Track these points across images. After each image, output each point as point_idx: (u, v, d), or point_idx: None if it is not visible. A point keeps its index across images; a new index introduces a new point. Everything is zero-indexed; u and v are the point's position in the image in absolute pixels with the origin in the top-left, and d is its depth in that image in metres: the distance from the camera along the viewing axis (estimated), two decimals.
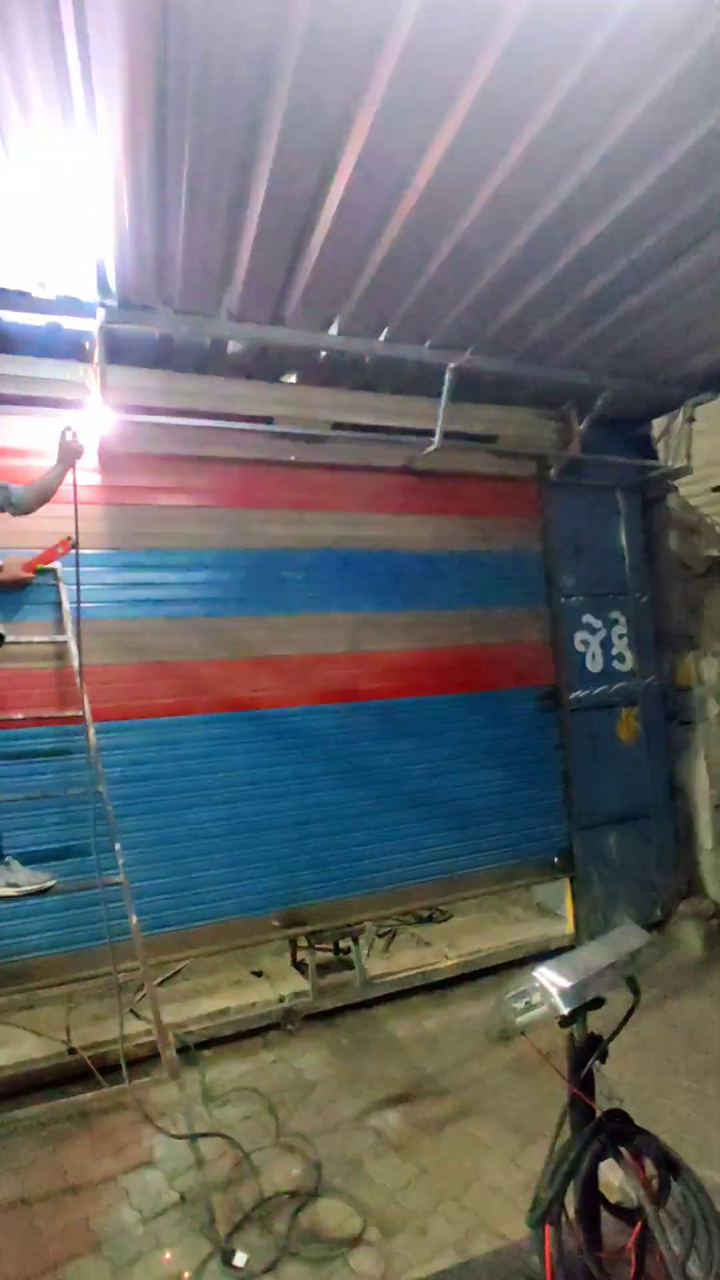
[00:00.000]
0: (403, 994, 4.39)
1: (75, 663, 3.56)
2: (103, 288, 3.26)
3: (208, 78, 2.25)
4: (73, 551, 3.61)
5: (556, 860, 4.81)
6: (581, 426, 4.69)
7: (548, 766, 4.85)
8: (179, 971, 4.40)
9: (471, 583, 4.72)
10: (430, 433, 4.24)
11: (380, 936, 4.84)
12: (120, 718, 3.76)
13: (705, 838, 5.08)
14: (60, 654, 3.69)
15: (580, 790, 4.89)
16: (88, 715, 3.48)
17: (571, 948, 4.74)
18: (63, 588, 3.71)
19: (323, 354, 3.96)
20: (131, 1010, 3.98)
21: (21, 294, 3.28)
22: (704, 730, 5.10)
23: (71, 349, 3.67)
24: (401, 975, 4.39)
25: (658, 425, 5.04)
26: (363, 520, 4.46)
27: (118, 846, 3.26)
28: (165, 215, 2.82)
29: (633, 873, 5.00)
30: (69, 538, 3.67)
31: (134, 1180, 3.03)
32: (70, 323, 3.48)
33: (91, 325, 3.41)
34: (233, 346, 3.86)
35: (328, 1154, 3.11)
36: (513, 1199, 2.82)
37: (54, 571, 3.73)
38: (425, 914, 5.12)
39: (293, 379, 4.23)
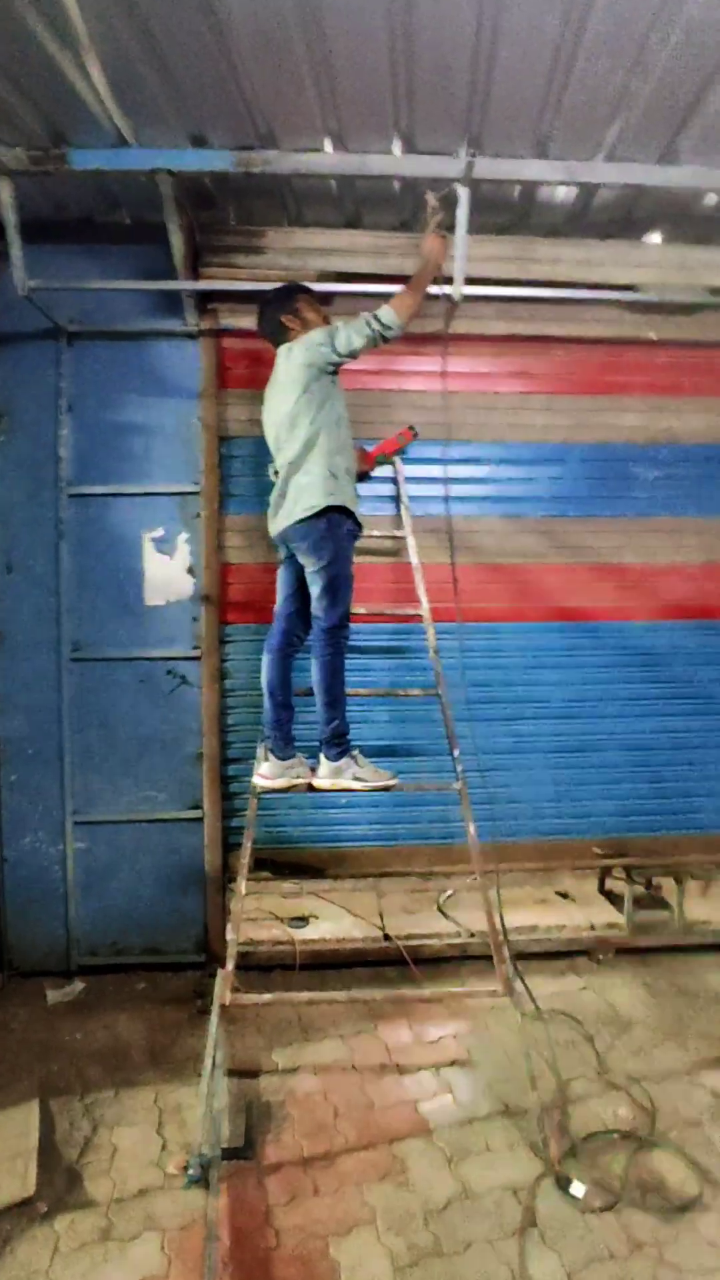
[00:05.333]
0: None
1: (414, 560, 3.44)
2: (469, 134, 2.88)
3: None
4: (414, 441, 3.45)
5: None
6: None
7: None
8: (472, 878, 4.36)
9: None
10: None
11: (696, 879, 4.40)
12: (453, 620, 3.61)
13: None
14: (398, 550, 3.60)
15: None
16: (426, 615, 3.37)
17: None
18: (402, 481, 3.57)
19: (709, 201, 3.26)
20: (440, 909, 4.02)
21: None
22: None
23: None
24: None
25: None
26: None
27: (456, 752, 3.16)
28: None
29: None
30: (411, 427, 3.50)
31: (455, 1076, 3.05)
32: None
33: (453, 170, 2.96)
34: (600, 199, 3.31)
35: (659, 1104, 2.89)
36: None
37: (393, 464, 3.60)
38: None
39: (657, 238, 3.58)
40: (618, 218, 3.41)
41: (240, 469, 3.66)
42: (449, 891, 4.00)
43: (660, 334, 3.66)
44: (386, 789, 3.05)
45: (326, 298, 3.12)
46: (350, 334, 2.81)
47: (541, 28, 2.40)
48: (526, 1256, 2.25)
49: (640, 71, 2.59)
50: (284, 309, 3.00)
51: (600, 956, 3.85)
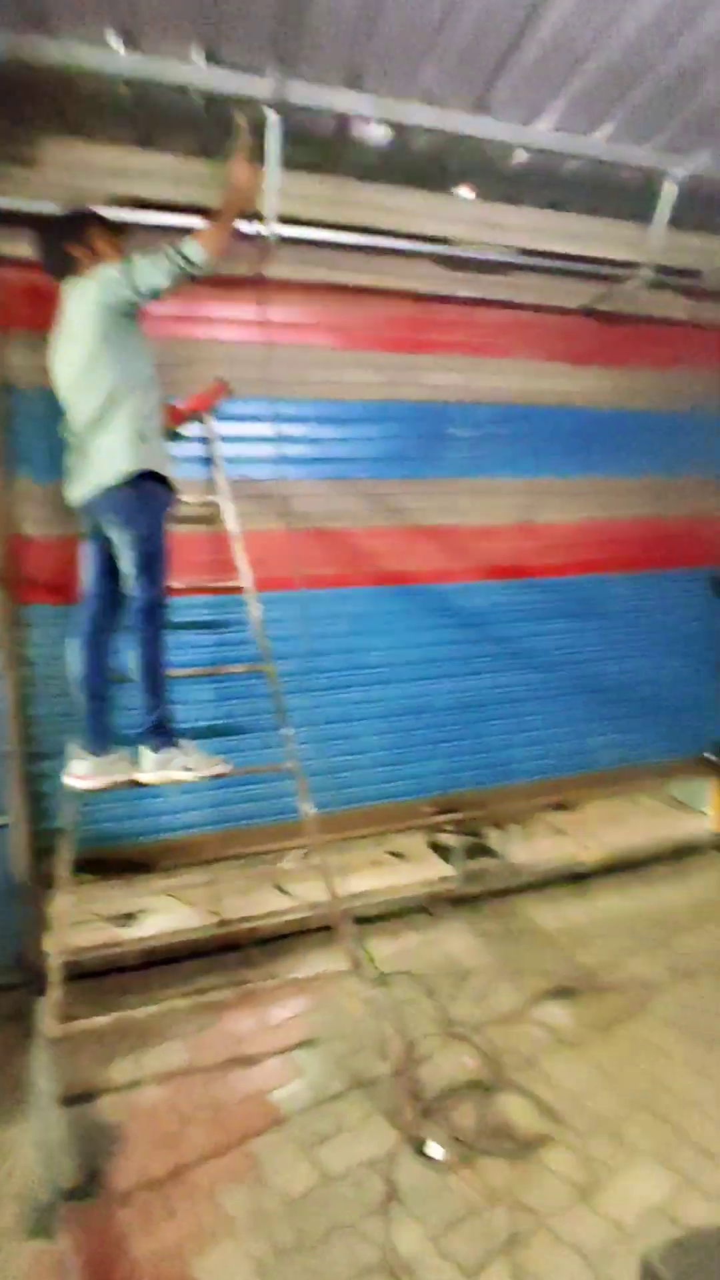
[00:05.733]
0: (543, 884, 4.26)
1: (231, 527, 3.19)
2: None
3: None
4: (227, 398, 3.17)
5: (708, 755, 4.50)
6: None
7: (711, 657, 4.43)
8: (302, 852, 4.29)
9: (654, 445, 4.14)
10: (627, 266, 3.56)
11: (518, 825, 4.67)
12: (274, 589, 3.42)
13: None
14: (211, 517, 3.32)
15: None
16: (248, 586, 3.15)
17: (716, 845, 4.56)
18: (215, 441, 3.29)
19: (518, 160, 3.24)
20: (277, 886, 3.93)
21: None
22: None
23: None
24: (545, 866, 4.23)
25: None
26: (540, 371, 3.86)
27: (287, 730, 3.02)
28: None
29: None
30: (223, 380, 3.21)
31: (305, 1057, 3.00)
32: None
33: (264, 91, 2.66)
34: (416, 145, 3.16)
35: (500, 1047, 3.02)
36: (708, 1110, 2.70)
37: (204, 422, 3.29)
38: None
39: (468, 194, 3.52)
40: (433, 170, 3.29)
41: (31, 427, 3.16)
42: (284, 867, 3.91)
43: (473, 293, 3.63)
44: (218, 776, 2.85)
45: (118, 228, 2.71)
46: (150, 269, 2.47)
47: None
48: (392, 1231, 2.25)
49: (455, 12, 2.45)
50: (71, 237, 2.58)
51: (435, 911, 3.96)
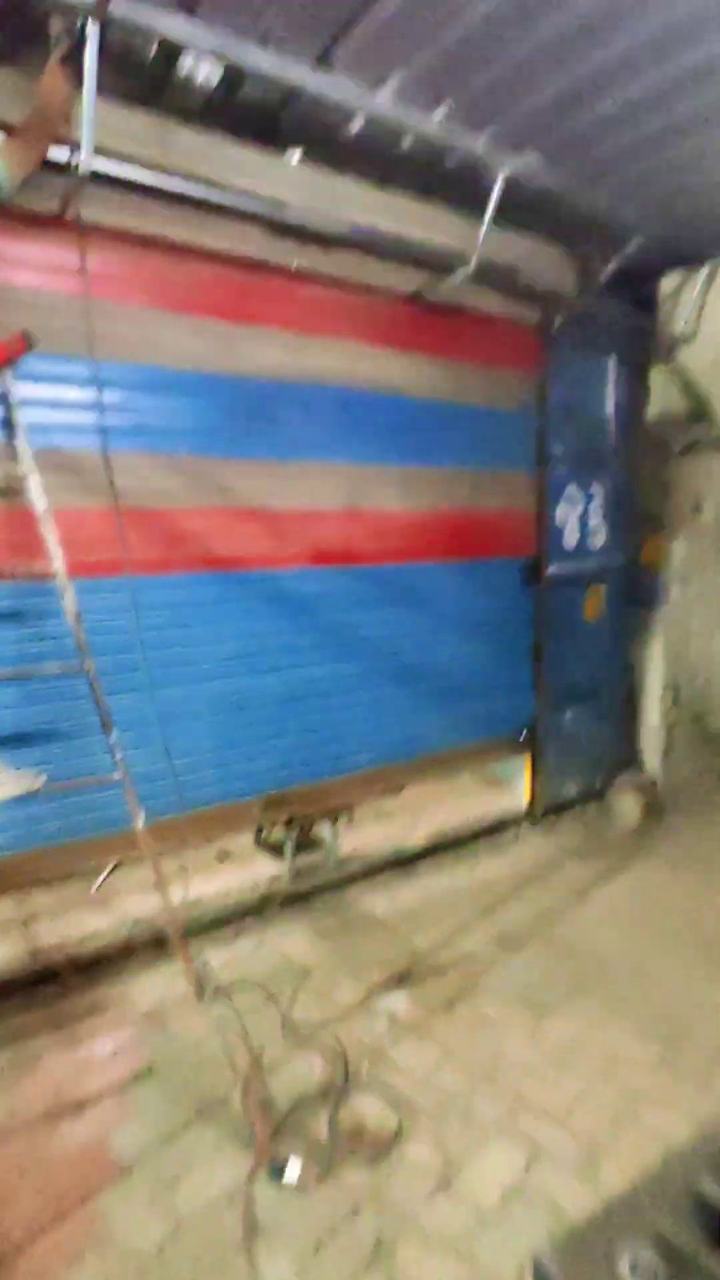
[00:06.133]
0: (373, 872, 4.27)
1: (38, 503, 2.77)
2: None
3: None
4: (29, 352, 2.73)
5: (523, 735, 4.77)
6: (609, 269, 4.17)
7: (523, 642, 4.68)
8: (116, 866, 3.92)
9: (472, 438, 4.24)
10: (450, 255, 3.59)
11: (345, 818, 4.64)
12: (87, 574, 3.04)
13: (652, 715, 5.24)
14: (12, 490, 2.86)
15: (547, 667, 4.79)
16: (61, 572, 2.75)
17: (530, 818, 4.87)
18: (15, 403, 2.82)
19: (355, 127, 3.10)
20: (96, 904, 3.56)
21: None
22: (664, 613, 5.13)
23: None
24: (374, 854, 4.25)
25: (668, 284, 4.61)
26: (367, 355, 3.77)
27: (113, 735, 2.70)
28: None
29: (583, 747, 5.09)
30: (24, 333, 2.76)
31: (142, 1092, 2.73)
32: None
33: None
34: (248, 94, 2.91)
35: (346, 1044, 2.96)
36: (544, 1075, 2.83)
37: (2, 380, 2.82)
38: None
39: (297, 157, 3.32)
40: (265, 124, 3.06)
41: None
42: (102, 883, 3.56)
43: (304, 264, 3.45)
44: (30, 793, 2.48)
45: None
46: None
47: None
48: (258, 1269, 2.10)
49: None
50: None
51: (268, 912, 3.82)
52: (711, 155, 3.35)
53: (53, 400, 3.00)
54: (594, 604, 5.01)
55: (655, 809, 5.12)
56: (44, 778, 2.48)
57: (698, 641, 5.30)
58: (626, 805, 5.11)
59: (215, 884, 3.79)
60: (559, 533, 4.75)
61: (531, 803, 4.87)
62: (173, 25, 2.44)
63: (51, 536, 2.74)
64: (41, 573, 2.79)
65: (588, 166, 3.40)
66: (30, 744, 2.93)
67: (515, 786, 4.98)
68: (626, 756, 5.37)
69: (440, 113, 3.01)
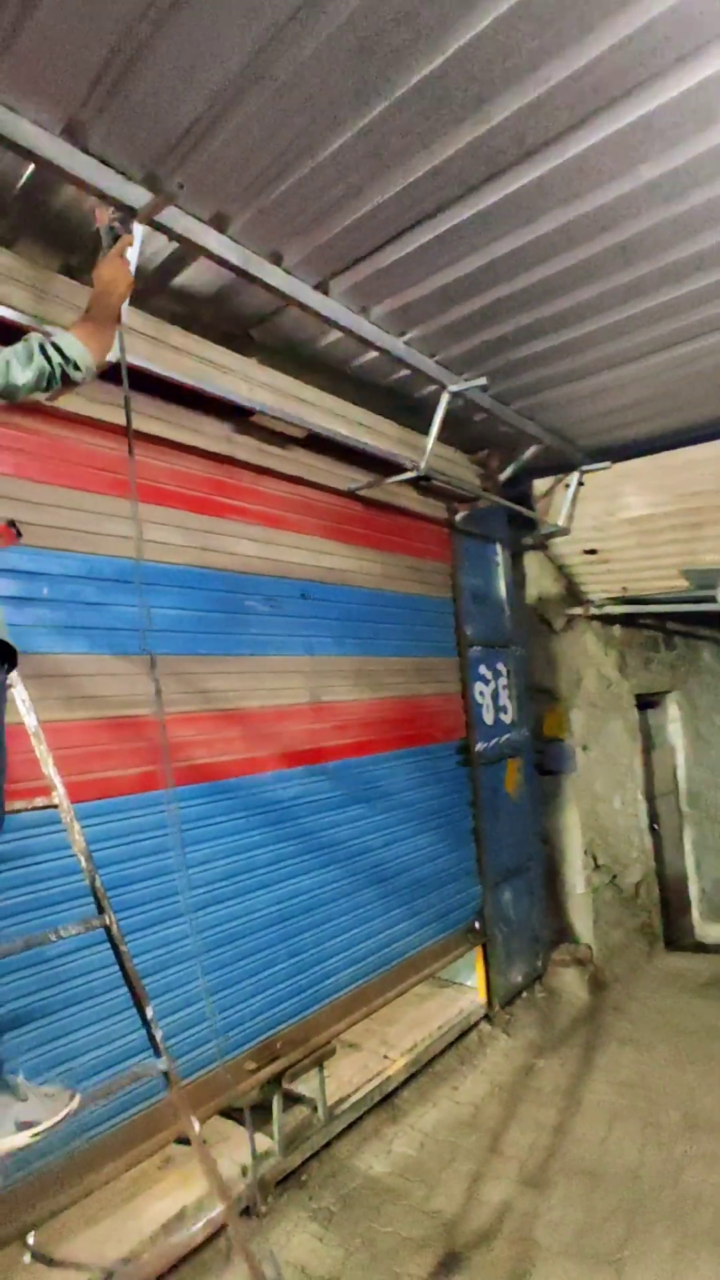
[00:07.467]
0: (359, 1119, 3.62)
1: (28, 719, 2.26)
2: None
3: None
4: (18, 542, 2.35)
5: (476, 925, 4.51)
6: (505, 474, 4.64)
7: (464, 825, 4.56)
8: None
9: (409, 627, 4.28)
10: (388, 458, 3.80)
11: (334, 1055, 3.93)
12: (74, 799, 2.48)
13: (575, 882, 5.26)
14: None
15: (487, 847, 4.68)
16: (63, 799, 2.21)
17: (488, 1017, 4.48)
18: None
19: (325, 341, 3.26)
20: (32, 1253, 2.60)
21: None
22: (573, 779, 5.32)
23: None
24: (358, 1096, 3.62)
25: (540, 485, 5.22)
26: (322, 548, 3.75)
27: (150, 1011, 2.09)
28: None
29: (522, 927, 4.93)
30: (11, 523, 2.39)
31: None
32: None
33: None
34: (243, 302, 2.97)
35: None
36: None
37: None
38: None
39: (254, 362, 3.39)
40: (238, 331, 3.11)
41: None
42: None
43: (267, 462, 3.43)
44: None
45: None
46: (12, 362, 1.75)
47: None
48: None
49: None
50: None
51: (261, 1207, 3.03)
52: (602, 392, 3.96)
53: (35, 595, 2.57)
54: (512, 778, 5.07)
55: (598, 982, 5.02)
56: (79, 1093, 1.80)
57: (603, 805, 5.54)
58: (569, 983, 4.96)
59: (194, 1187, 2.95)
60: (479, 712, 4.84)
61: (489, 999, 4.53)
62: (206, 237, 2.44)
63: (49, 757, 2.22)
64: (47, 805, 2.22)
65: (515, 390, 3.85)
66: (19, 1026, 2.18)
67: (467, 983, 4.64)
68: (559, 928, 5.28)
69: (411, 335, 3.27)
